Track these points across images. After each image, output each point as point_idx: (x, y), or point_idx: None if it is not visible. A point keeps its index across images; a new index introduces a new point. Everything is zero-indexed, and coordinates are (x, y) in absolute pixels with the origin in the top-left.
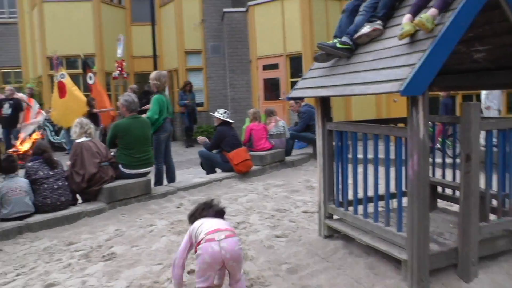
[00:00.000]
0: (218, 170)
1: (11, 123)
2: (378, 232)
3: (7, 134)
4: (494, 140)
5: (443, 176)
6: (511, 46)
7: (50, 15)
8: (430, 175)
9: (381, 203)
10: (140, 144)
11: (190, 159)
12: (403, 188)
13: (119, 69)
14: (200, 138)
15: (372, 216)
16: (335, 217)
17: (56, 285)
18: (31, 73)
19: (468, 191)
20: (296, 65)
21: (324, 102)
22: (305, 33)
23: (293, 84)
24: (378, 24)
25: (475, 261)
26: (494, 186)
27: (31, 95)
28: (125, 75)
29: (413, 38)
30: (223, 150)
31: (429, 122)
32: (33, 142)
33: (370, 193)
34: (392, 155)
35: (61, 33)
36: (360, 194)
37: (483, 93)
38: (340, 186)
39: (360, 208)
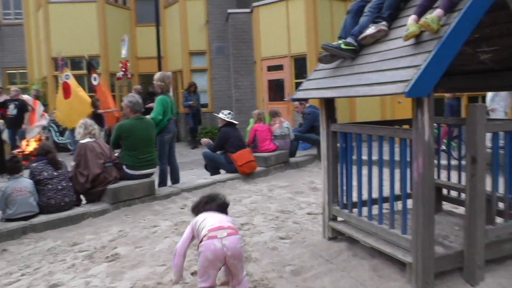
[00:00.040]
0: (222, 171)
1: (17, 124)
2: (382, 234)
3: (13, 135)
4: (501, 142)
5: (449, 178)
6: None
7: (55, 16)
8: (435, 177)
9: (386, 205)
10: (144, 145)
11: (194, 160)
12: (408, 190)
13: (124, 69)
14: (204, 140)
15: (376, 218)
16: (339, 219)
17: (60, 285)
18: (36, 74)
19: (474, 193)
20: (300, 66)
21: (329, 103)
22: (309, 34)
23: (298, 85)
24: (383, 25)
25: (481, 265)
26: (501, 189)
27: (37, 97)
28: (129, 76)
29: (418, 39)
30: (227, 151)
31: (434, 124)
32: (38, 143)
33: (375, 195)
34: (397, 157)
35: (66, 34)
36: (365, 196)
37: (489, 95)
38: (345, 187)
39: (365, 210)
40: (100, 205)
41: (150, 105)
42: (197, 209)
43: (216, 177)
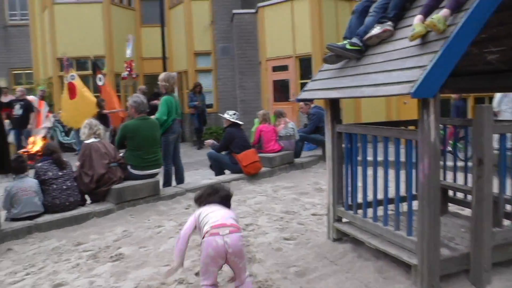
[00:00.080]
0: (227, 171)
1: (22, 124)
2: (387, 236)
3: (18, 135)
4: (509, 143)
5: (455, 179)
6: None
7: (60, 17)
8: (441, 178)
9: (391, 207)
10: (148, 145)
11: (199, 160)
12: (414, 192)
13: (128, 69)
14: (208, 142)
15: (381, 219)
16: (344, 220)
17: (64, 285)
18: (42, 74)
19: (481, 195)
20: (305, 66)
21: (334, 104)
22: (314, 35)
23: (303, 85)
24: (388, 25)
25: (488, 267)
26: (508, 191)
27: (42, 97)
28: (134, 76)
29: (424, 39)
30: (232, 151)
31: (440, 125)
32: (44, 143)
33: (380, 196)
34: (403, 158)
35: (72, 34)
36: (370, 197)
37: (497, 97)
38: (350, 188)
39: (370, 211)
40: (105, 205)
41: (155, 102)
42: (200, 200)
43: (221, 178)
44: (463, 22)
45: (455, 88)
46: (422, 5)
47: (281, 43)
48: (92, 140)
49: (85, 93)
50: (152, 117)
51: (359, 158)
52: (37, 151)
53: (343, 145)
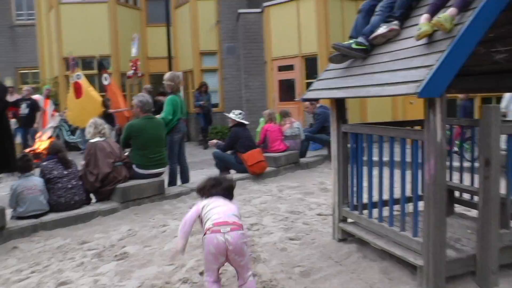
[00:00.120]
0: (232, 171)
1: (28, 123)
2: (393, 236)
3: (24, 134)
4: None
5: (461, 180)
6: None
7: (66, 17)
8: (447, 179)
9: (396, 207)
10: (153, 145)
11: (204, 159)
12: (419, 192)
13: (134, 68)
14: (212, 142)
15: (387, 220)
16: (349, 220)
17: (68, 283)
18: (48, 73)
19: (488, 196)
20: (311, 66)
21: (339, 104)
22: (320, 34)
23: (308, 85)
24: (394, 25)
25: (495, 270)
26: None
27: (48, 96)
28: (139, 74)
29: (431, 38)
30: (237, 151)
31: (447, 125)
32: (50, 142)
33: (385, 196)
34: (408, 158)
35: (78, 34)
36: (375, 198)
37: (506, 97)
38: (355, 189)
39: (375, 211)
40: (110, 204)
41: (160, 98)
42: (203, 192)
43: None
44: (470, 21)
45: (462, 88)
46: (428, 4)
47: (287, 43)
48: (97, 139)
49: (91, 92)
50: (157, 116)
51: (365, 158)
52: (43, 150)
53: (349, 145)
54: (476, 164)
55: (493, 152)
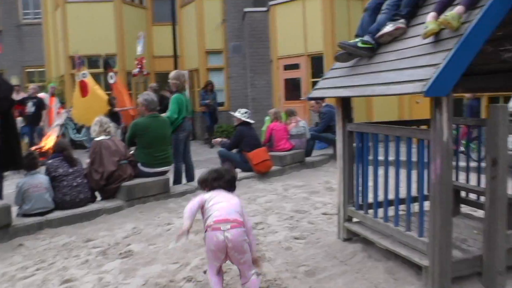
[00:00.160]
0: (237, 169)
1: (34, 121)
2: (398, 236)
3: (31, 132)
4: None
5: (467, 180)
6: None
7: (72, 16)
8: (454, 179)
9: (402, 207)
10: (159, 143)
11: (210, 158)
12: (425, 192)
13: (139, 66)
14: (215, 140)
15: (392, 220)
16: (354, 219)
17: (73, 280)
18: (54, 72)
19: (495, 196)
20: (317, 65)
21: (345, 103)
22: (326, 33)
23: (314, 84)
24: (401, 23)
25: (502, 271)
26: None
27: (53, 94)
28: (145, 72)
29: (437, 37)
30: (243, 150)
31: (453, 124)
32: (55, 140)
33: (391, 196)
34: (414, 158)
35: (83, 33)
36: (381, 197)
37: None
38: (360, 188)
39: (380, 211)
40: (115, 202)
41: (166, 93)
42: (205, 184)
43: None
44: (478, 19)
45: (469, 87)
46: (435, 2)
47: (292, 42)
48: (102, 137)
49: (97, 91)
50: (163, 115)
51: (370, 157)
52: (49, 148)
53: (354, 144)
54: (483, 164)
55: (501, 152)
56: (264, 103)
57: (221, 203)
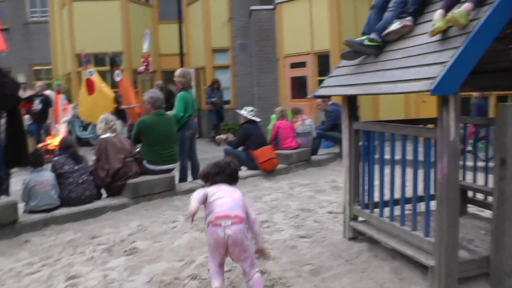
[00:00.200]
0: (243, 168)
1: (42, 118)
2: (404, 236)
3: (38, 129)
4: None
5: (474, 180)
6: None
7: (79, 14)
8: (461, 178)
9: (408, 206)
10: (164, 141)
11: (215, 156)
12: (432, 191)
13: (145, 63)
14: (220, 137)
15: (398, 219)
16: (360, 219)
17: (78, 277)
18: (61, 70)
19: (503, 197)
20: (324, 63)
21: (351, 101)
22: (333, 31)
23: (321, 82)
24: (408, 21)
25: (510, 272)
26: None
27: (59, 92)
28: (151, 70)
29: (445, 34)
30: (249, 148)
31: (460, 124)
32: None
33: (397, 195)
34: (421, 157)
35: (90, 31)
36: (387, 196)
37: None
38: (366, 187)
39: (386, 210)
40: (120, 199)
41: (174, 88)
42: (207, 179)
43: None
44: (487, 17)
45: (477, 86)
46: None
47: (299, 40)
48: (108, 134)
49: (104, 89)
50: (169, 113)
51: (376, 156)
52: (55, 146)
53: (360, 143)
54: (491, 164)
55: (509, 151)
56: (270, 101)
57: (223, 199)
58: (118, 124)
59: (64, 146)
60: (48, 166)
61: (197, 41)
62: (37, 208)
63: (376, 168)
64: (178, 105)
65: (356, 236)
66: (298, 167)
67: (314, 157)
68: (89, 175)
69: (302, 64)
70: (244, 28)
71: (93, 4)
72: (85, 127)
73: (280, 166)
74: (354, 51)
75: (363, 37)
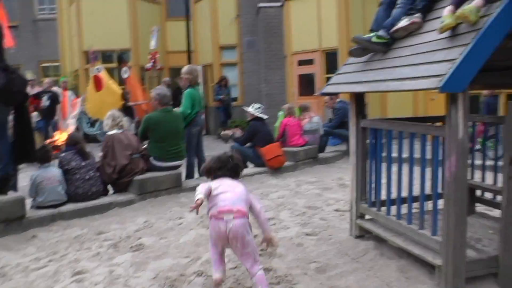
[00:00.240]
0: (250, 165)
1: (49, 115)
2: (411, 234)
3: (46, 125)
4: None
5: (483, 179)
6: None
7: (87, 11)
8: (469, 177)
9: (415, 205)
10: (171, 137)
11: None
12: (439, 190)
13: (152, 60)
14: (225, 133)
15: (405, 217)
16: (367, 217)
17: (84, 272)
18: (69, 66)
19: None
20: (331, 60)
21: (359, 98)
22: (341, 28)
23: (328, 80)
24: (416, 17)
25: None
26: None
27: (65, 88)
28: (158, 67)
29: (454, 31)
30: (256, 145)
31: (469, 122)
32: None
33: (404, 193)
34: (429, 155)
35: (98, 28)
36: (394, 195)
37: None
38: (373, 185)
39: (393, 209)
40: (127, 196)
41: (181, 85)
42: (209, 173)
43: (244, 171)
44: (497, 13)
45: (487, 83)
46: None
47: (307, 37)
48: (115, 131)
49: (111, 85)
50: (176, 109)
51: (384, 154)
52: (63, 142)
53: (368, 141)
54: (500, 163)
55: None
56: (278, 99)
57: (226, 193)
58: (125, 120)
59: (71, 142)
60: (55, 162)
61: (204, 38)
62: (44, 204)
63: (383, 166)
64: (185, 102)
65: (363, 234)
66: (305, 164)
67: (321, 155)
68: (96, 171)
69: (309, 62)
70: (251, 25)
71: (101, 1)
72: (92, 123)
73: (287, 163)
74: (362, 48)
75: (371, 34)
